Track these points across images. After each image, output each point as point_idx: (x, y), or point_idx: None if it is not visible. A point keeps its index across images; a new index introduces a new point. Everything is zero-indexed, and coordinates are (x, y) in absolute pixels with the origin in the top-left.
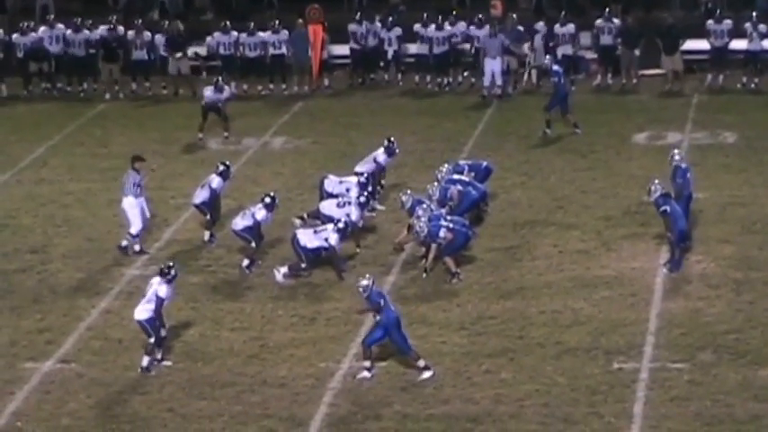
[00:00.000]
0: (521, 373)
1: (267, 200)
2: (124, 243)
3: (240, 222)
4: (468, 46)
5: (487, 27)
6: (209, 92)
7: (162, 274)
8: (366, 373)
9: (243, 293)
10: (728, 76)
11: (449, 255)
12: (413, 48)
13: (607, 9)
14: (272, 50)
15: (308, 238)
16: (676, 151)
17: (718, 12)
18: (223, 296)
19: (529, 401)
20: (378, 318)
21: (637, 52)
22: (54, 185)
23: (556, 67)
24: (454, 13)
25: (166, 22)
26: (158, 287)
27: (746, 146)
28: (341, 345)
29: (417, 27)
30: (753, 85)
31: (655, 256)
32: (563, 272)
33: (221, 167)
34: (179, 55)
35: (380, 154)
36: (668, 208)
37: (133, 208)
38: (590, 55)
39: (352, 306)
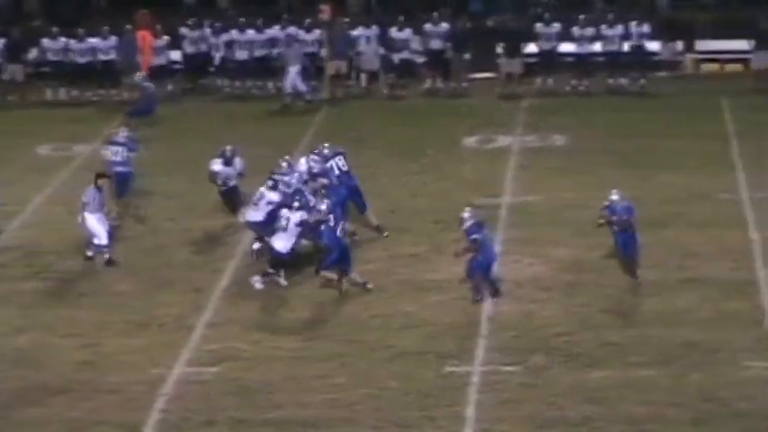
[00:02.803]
0: (353, 377)
1: None
2: (90, 253)
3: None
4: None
5: (318, 32)
6: None
7: None
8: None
9: (76, 300)
10: (558, 79)
11: (326, 268)
12: (237, 54)
13: (435, 13)
14: (101, 56)
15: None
16: None
17: (546, 15)
18: (55, 303)
19: (362, 406)
20: None
21: (467, 56)
22: None
23: (143, 82)
24: (285, 17)
25: None
26: None
27: (577, 148)
28: (173, 350)
29: (235, 33)
30: (582, 88)
31: None
32: (395, 276)
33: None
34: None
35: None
36: (479, 237)
37: (101, 222)
38: (419, 59)
39: (184, 312)
